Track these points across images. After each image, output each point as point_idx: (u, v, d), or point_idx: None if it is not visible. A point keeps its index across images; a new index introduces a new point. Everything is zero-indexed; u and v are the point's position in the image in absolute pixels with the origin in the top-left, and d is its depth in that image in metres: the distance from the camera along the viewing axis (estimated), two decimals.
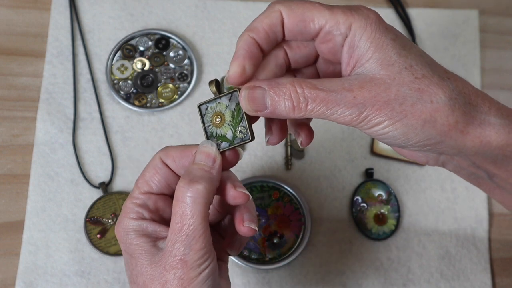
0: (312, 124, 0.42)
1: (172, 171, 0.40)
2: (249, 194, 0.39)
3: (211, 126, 0.39)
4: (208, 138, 0.39)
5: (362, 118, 0.34)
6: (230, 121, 0.38)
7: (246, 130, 0.38)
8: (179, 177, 0.40)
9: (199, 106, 0.40)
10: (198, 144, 0.39)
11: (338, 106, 0.34)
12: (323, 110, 0.34)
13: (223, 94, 0.39)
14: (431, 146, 0.36)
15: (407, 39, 0.36)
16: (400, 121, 0.34)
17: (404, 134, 0.35)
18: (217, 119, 0.39)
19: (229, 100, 0.38)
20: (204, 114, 0.39)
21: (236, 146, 0.39)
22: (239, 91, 0.37)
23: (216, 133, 0.39)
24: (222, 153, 0.39)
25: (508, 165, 0.39)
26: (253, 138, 0.38)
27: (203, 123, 0.40)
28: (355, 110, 0.34)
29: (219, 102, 0.39)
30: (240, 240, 0.43)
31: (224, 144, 0.39)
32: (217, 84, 0.39)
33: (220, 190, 0.39)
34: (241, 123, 0.38)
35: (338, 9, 0.36)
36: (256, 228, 0.40)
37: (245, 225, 0.39)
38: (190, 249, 0.36)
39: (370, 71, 0.35)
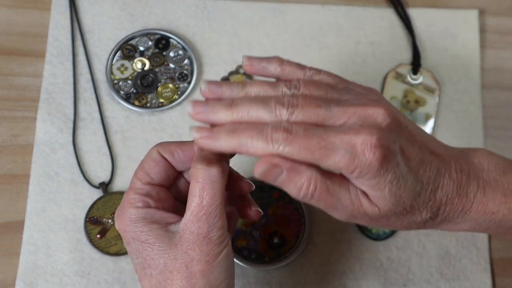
0: None
1: (170, 164, 0.42)
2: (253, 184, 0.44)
3: None
4: None
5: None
6: None
7: None
8: (177, 171, 0.43)
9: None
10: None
11: (335, 211, 0.39)
12: (322, 207, 0.38)
13: None
14: None
15: (404, 166, 0.38)
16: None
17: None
18: None
19: None
20: None
21: None
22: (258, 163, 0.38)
23: None
24: None
25: None
26: None
27: None
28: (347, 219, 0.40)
29: None
30: (235, 224, 0.46)
31: None
32: None
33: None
34: None
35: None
36: (261, 211, 0.45)
37: (253, 209, 0.44)
38: (214, 227, 0.38)
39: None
